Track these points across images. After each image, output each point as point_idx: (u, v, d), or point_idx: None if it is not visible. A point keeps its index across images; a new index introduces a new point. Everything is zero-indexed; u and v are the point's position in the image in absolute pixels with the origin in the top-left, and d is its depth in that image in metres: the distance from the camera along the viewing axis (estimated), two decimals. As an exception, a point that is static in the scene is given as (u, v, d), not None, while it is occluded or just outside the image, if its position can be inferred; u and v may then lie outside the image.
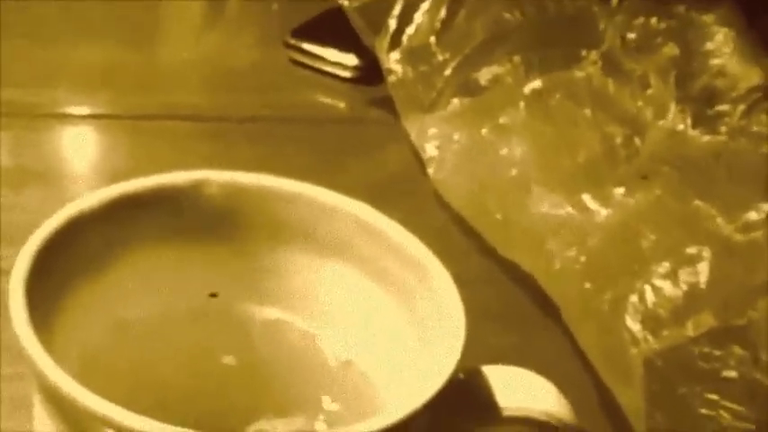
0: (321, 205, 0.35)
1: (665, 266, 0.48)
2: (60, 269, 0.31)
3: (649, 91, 0.57)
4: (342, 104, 0.72)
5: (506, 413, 0.31)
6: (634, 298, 0.48)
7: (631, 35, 0.60)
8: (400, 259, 0.34)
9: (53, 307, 0.30)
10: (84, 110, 0.69)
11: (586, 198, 0.52)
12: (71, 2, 0.82)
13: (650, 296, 0.48)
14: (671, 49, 0.58)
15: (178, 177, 0.35)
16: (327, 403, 0.36)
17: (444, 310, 0.32)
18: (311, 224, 0.35)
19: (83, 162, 0.66)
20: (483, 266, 0.57)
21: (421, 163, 0.63)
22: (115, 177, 0.60)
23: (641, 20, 0.60)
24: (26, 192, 0.59)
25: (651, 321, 0.47)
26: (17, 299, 0.28)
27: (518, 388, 0.32)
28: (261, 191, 0.35)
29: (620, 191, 0.52)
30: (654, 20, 0.59)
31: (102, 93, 0.71)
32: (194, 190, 0.35)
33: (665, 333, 0.47)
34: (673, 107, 0.56)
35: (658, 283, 0.48)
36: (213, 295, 0.36)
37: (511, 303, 0.55)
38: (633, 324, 0.47)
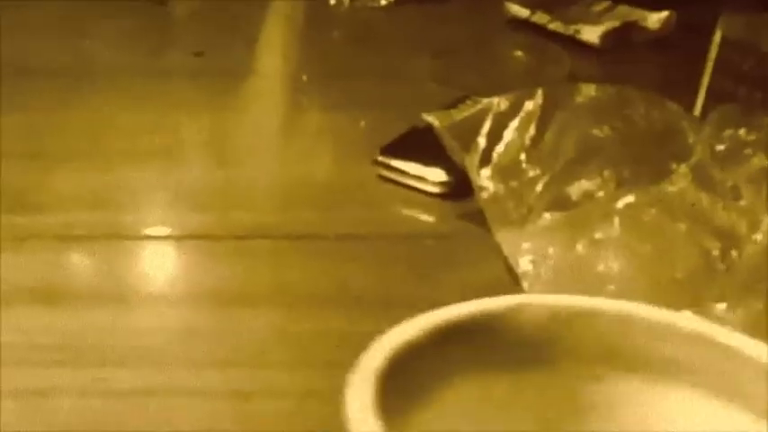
0: (656, 325, 0.33)
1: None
2: (396, 393, 0.30)
3: (742, 202, 0.58)
4: (431, 219, 0.73)
5: None
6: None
7: (720, 147, 0.60)
8: (755, 372, 0.31)
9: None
10: (171, 231, 0.71)
11: (688, 314, 0.53)
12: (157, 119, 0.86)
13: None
14: (761, 160, 0.59)
15: (496, 303, 0.34)
16: None
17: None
18: (647, 347, 0.33)
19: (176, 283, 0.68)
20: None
21: (513, 276, 0.64)
22: (211, 298, 0.63)
23: (730, 132, 0.61)
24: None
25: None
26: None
27: None
28: (587, 313, 0.34)
29: (721, 306, 0.52)
30: (742, 131, 0.60)
31: (191, 213, 0.73)
32: (512, 316, 0.34)
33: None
34: (766, 219, 0.56)
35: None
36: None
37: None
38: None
